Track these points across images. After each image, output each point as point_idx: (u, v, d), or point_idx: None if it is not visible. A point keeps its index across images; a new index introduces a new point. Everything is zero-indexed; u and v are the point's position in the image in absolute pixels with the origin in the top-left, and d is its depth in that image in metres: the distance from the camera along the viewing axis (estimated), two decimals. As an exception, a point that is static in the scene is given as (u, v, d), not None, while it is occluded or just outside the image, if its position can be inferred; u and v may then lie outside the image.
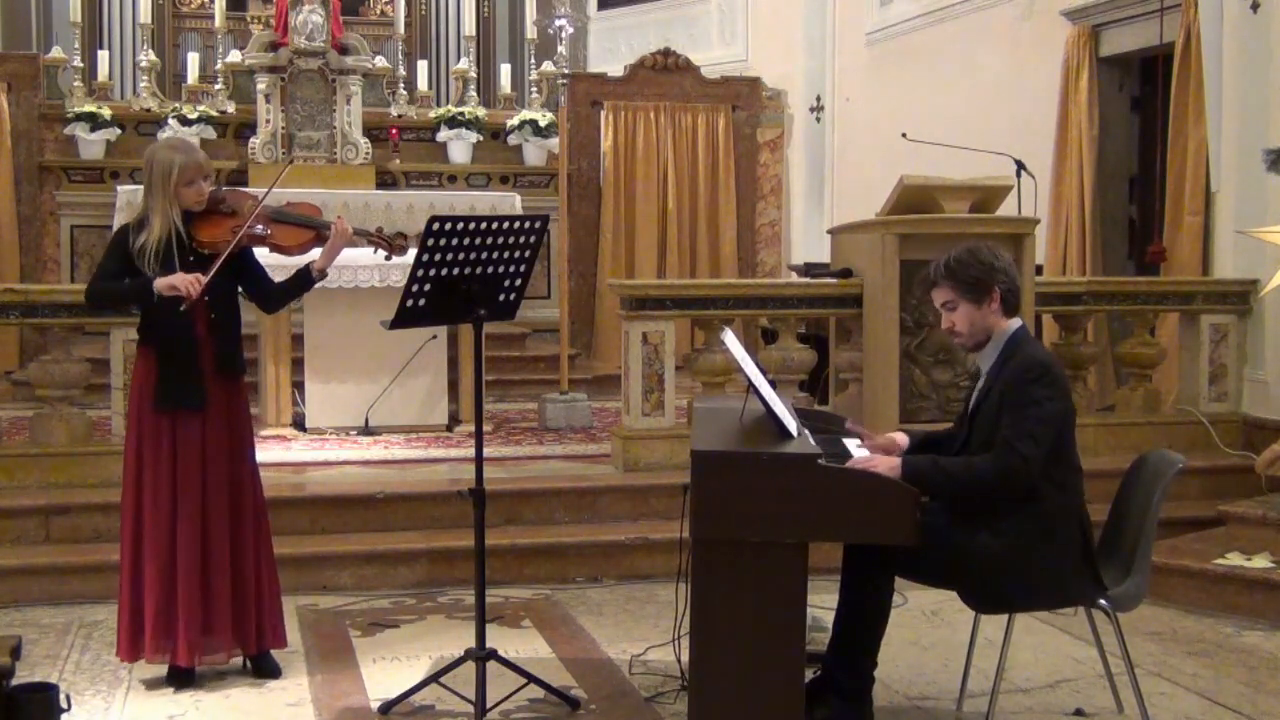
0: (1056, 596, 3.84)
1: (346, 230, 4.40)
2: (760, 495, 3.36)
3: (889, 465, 3.63)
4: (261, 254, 4.54)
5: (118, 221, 9.00)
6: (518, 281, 4.21)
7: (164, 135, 9.58)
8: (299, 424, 7.41)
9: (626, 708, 4.21)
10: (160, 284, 4.16)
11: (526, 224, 4.17)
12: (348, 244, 4.46)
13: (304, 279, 4.45)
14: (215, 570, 4.32)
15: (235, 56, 10.20)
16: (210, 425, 4.31)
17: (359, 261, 7.10)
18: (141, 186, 4.17)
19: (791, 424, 3.65)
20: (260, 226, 4.35)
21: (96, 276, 4.38)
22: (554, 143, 10.09)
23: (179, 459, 4.28)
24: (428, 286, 4.02)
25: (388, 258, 4.61)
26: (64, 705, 3.81)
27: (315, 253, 4.48)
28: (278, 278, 4.56)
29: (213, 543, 4.32)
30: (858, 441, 4.10)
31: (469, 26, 10.89)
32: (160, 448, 4.28)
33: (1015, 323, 3.86)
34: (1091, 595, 3.77)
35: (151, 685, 4.38)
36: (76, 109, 9.61)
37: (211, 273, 4.16)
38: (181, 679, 4.36)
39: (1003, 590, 3.73)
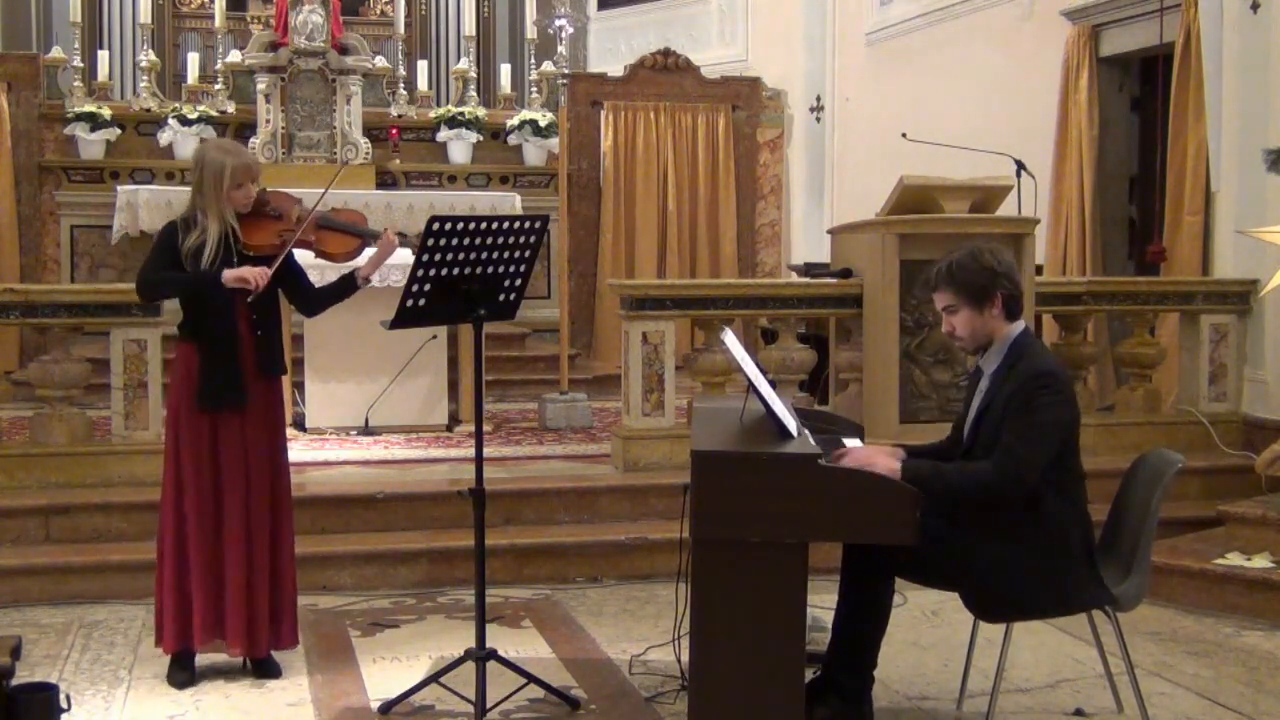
0: (1060, 606, 3.83)
1: (393, 242, 4.42)
2: (760, 495, 3.36)
3: (888, 466, 3.61)
4: (305, 258, 4.60)
5: (118, 222, 9.04)
6: (518, 281, 4.22)
7: (163, 136, 9.62)
8: (299, 424, 7.41)
9: (626, 708, 4.21)
10: (229, 275, 4.22)
11: (526, 224, 4.17)
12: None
13: (349, 285, 4.49)
14: (258, 567, 4.36)
15: (235, 56, 10.20)
16: (250, 424, 4.35)
17: (359, 261, 7.08)
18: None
19: (791, 424, 3.65)
20: (309, 236, 4.39)
21: (149, 268, 4.36)
22: (554, 143, 10.09)
23: (222, 457, 4.32)
24: (428, 286, 4.02)
25: None
26: (64, 705, 3.81)
27: (359, 260, 4.53)
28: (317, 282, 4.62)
29: (256, 540, 4.36)
30: (858, 441, 4.10)
31: (469, 26, 10.89)
32: (200, 446, 4.32)
33: (1018, 326, 3.81)
34: (1095, 602, 3.76)
35: (152, 685, 4.39)
36: (76, 109, 9.60)
37: (276, 264, 4.24)
38: (183, 677, 4.37)
39: (1006, 600, 3.71)
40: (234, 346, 4.30)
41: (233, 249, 4.29)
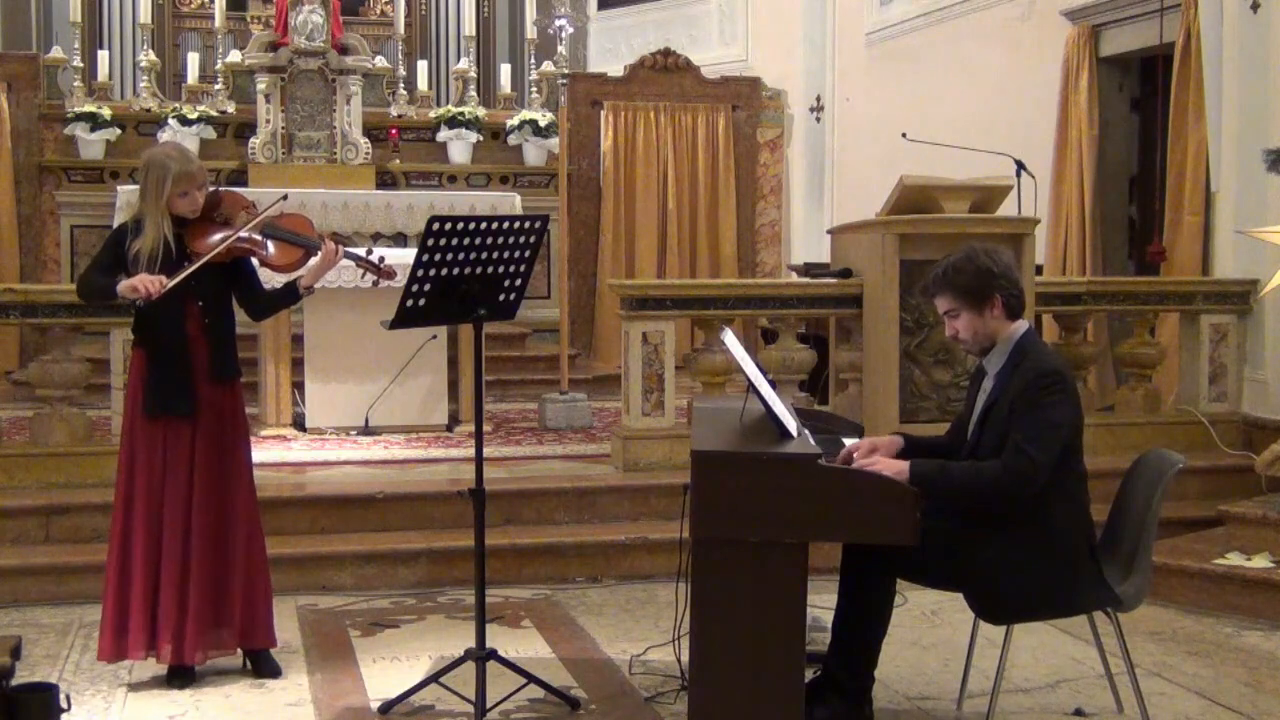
0: (1064, 608, 3.83)
1: (332, 253, 4.37)
2: (760, 495, 3.36)
3: (895, 469, 3.59)
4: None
5: (117, 221, 9.03)
6: (518, 281, 4.21)
7: (163, 136, 9.62)
8: (299, 424, 7.41)
9: (626, 708, 4.21)
10: (122, 287, 4.15)
11: (526, 224, 4.17)
12: (336, 266, 4.47)
13: (291, 293, 4.47)
14: (198, 572, 4.31)
15: (235, 56, 10.20)
16: (201, 431, 4.32)
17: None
18: (139, 187, 4.18)
19: (791, 424, 3.65)
20: (257, 238, 4.35)
21: (88, 268, 4.39)
22: (554, 143, 10.09)
23: (167, 464, 4.29)
24: (428, 286, 4.02)
25: (375, 283, 4.59)
26: (64, 705, 3.81)
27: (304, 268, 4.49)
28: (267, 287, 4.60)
29: (196, 545, 4.31)
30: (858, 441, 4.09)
31: (469, 26, 10.89)
32: (153, 453, 4.29)
33: (1021, 326, 3.81)
34: (1099, 602, 3.77)
35: (151, 685, 4.38)
36: (76, 109, 9.61)
37: (176, 279, 4.14)
38: (182, 678, 4.36)
39: (1010, 602, 3.71)
40: (183, 351, 4.27)
41: (173, 253, 4.24)
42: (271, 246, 4.38)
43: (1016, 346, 3.77)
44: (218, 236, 4.29)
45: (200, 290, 4.28)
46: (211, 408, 4.34)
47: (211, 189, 4.41)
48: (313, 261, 4.43)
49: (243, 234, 4.30)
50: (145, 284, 4.10)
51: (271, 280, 4.69)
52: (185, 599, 4.30)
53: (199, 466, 4.31)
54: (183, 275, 4.17)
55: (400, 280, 4.16)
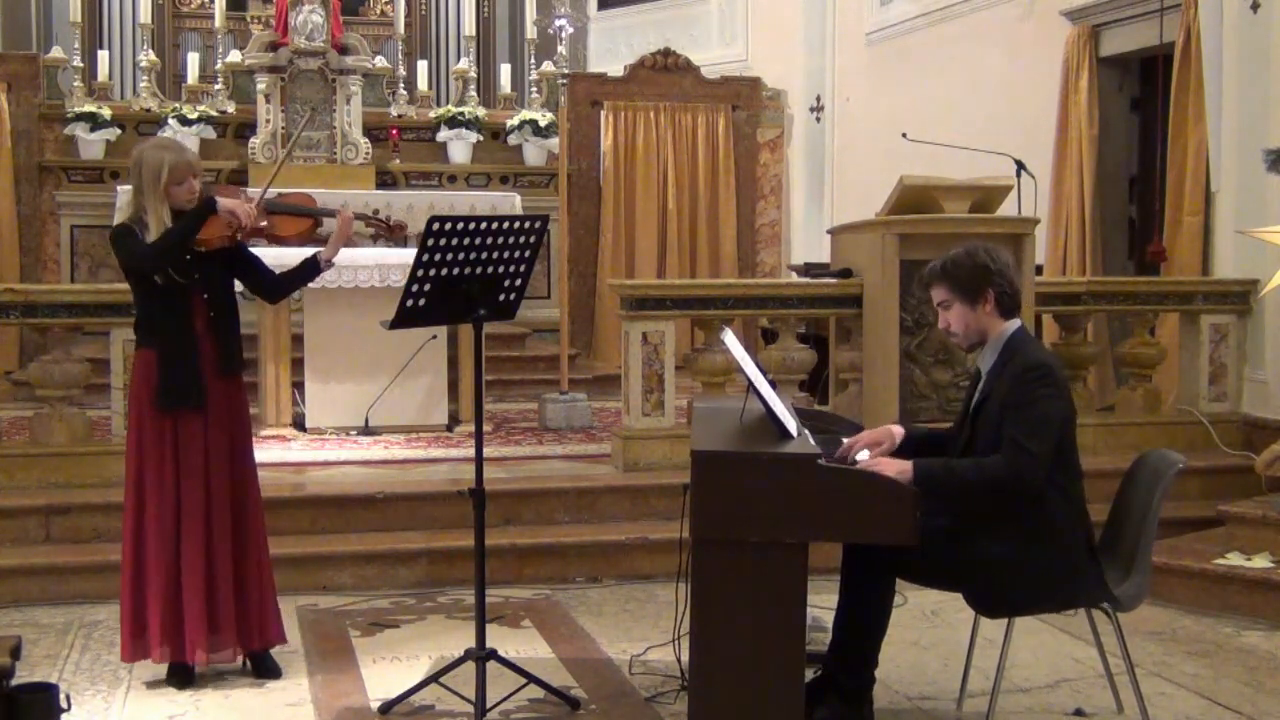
0: (1062, 599, 3.83)
1: (350, 218, 4.43)
2: (760, 495, 3.36)
3: (898, 468, 3.60)
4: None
5: (117, 222, 9.03)
6: (518, 281, 4.22)
7: (162, 135, 9.61)
8: (299, 424, 7.41)
9: (626, 708, 4.21)
10: (222, 204, 4.22)
11: (526, 224, 4.17)
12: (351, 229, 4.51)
13: (310, 268, 4.47)
14: (220, 569, 4.32)
15: (235, 56, 10.20)
16: (211, 424, 4.32)
17: (359, 261, 7.12)
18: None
19: (791, 424, 3.65)
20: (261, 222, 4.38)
21: (138, 246, 4.22)
22: (554, 143, 10.09)
23: (181, 458, 4.29)
24: (428, 286, 4.02)
25: (387, 242, 4.62)
26: (64, 705, 3.80)
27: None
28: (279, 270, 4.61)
29: (217, 542, 4.32)
30: (866, 453, 4.07)
31: (469, 26, 10.89)
32: (163, 448, 4.28)
33: (1014, 324, 3.84)
34: (1096, 597, 3.77)
35: (152, 685, 4.38)
36: (76, 109, 9.61)
37: (261, 197, 4.28)
38: (182, 678, 4.36)
39: (1009, 594, 3.72)
40: (192, 345, 4.27)
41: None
42: (279, 221, 4.41)
43: (1007, 344, 3.81)
44: (223, 222, 4.27)
45: (205, 283, 4.29)
46: (221, 401, 4.34)
47: (205, 184, 4.42)
48: (326, 232, 4.44)
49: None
50: (244, 211, 4.21)
51: (283, 262, 4.69)
52: (213, 596, 4.30)
53: (214, 462, 4.32)
54: (264, 192, 4.27)
55: (401, 279, 4.18)
